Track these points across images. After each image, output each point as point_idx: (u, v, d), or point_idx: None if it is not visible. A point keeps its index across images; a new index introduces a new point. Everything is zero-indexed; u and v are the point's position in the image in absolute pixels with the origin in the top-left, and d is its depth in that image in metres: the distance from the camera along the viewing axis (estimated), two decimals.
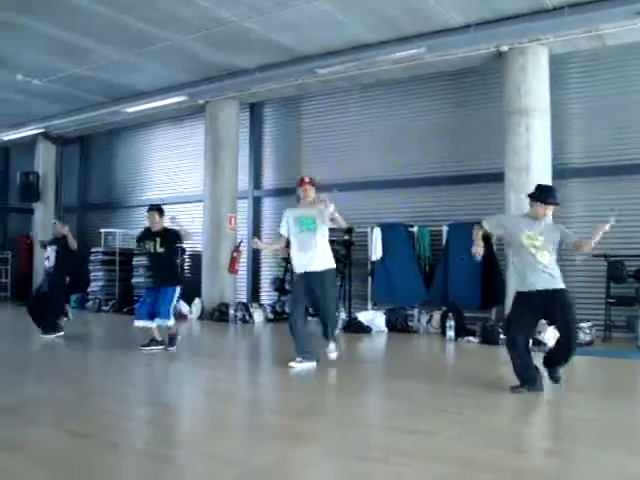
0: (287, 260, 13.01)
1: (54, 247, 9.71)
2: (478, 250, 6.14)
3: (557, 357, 5.79)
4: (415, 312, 11.09)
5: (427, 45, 10.16)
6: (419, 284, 11.08)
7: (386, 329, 10.76)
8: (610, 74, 10.40)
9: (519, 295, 5.88)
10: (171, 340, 8.30)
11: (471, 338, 9.50)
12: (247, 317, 12.23)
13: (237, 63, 11.85)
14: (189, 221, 15.16)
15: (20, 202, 17.66)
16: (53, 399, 5.50)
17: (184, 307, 12.93)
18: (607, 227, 5.71)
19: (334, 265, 7.20)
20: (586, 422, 4.86)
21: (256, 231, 14.25)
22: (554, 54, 10.01)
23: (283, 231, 7.29)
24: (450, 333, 9.70)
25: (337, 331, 7.40)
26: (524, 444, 4.29)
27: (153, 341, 8.26)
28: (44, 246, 9.97)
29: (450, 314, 9.89)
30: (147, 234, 8.50)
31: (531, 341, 6.96)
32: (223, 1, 9.11)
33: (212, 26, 9.96)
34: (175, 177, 15.96)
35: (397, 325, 10.84)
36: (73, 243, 9.62)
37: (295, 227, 7.13)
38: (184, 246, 14.83)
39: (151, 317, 8.20)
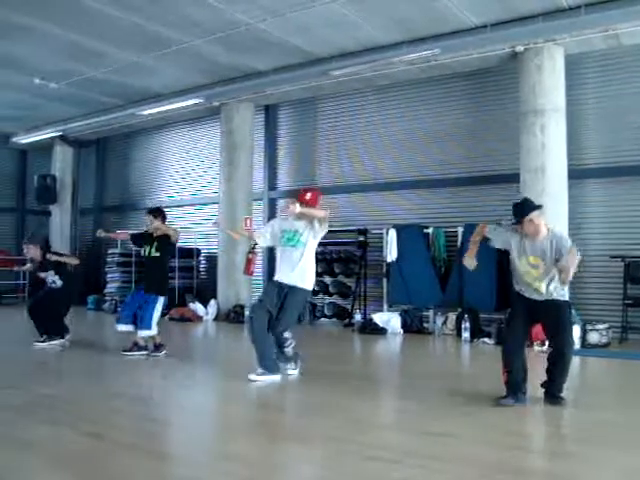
0: None
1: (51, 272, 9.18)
2: (471, 261, 5.59)
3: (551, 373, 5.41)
4: (430, 313, 11.07)
5: (442, 46, 10.14)
6: (434, 285, 11.04)
7: (401, 330, 10.74)
8: (626, 73, 10.31)
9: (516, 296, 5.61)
10: (157, 347, 8.06)
11: (486, 339, 9.47)
12: None
13: (252, 65, 11.90)
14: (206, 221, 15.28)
15: (37, 204, 17.83)
16: (68, 400, 5.55)
17: (200, 308, 12.98)
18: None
19: (310, 287, 6.70)
20: (602, 424, 4.83)
21: None
22: (570, 54, 9.95)
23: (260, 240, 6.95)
24: (465, 335, 9.67)
25: (290, 349, 6.78)
26: (540, 446, 4.27)
27: (136, 346, 8.03)
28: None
29: (465, 315, 9.87)
30: (146, 236, 8.35)
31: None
32: (238, 4, 9.15)
33: (227, 29, 10.00)
34: (191, 179, 16.03)
35: (412, 327, 10.82)
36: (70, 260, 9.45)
37: (280, 239, 6.73)
38: (196, 248, 14.93)
39: (134, 322, 7.95)
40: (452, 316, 10.49)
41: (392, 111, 12.70)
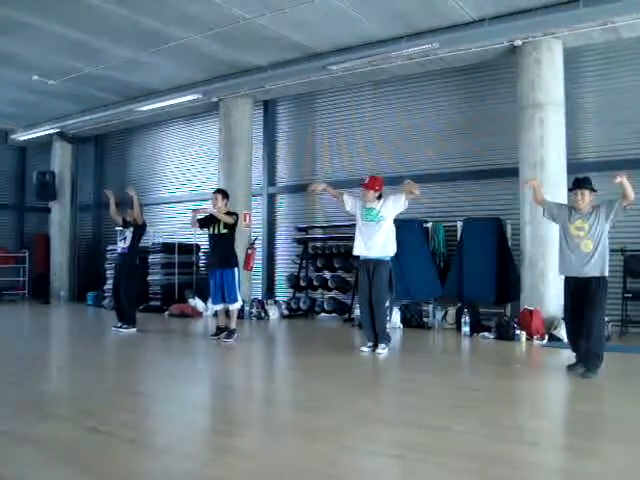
0: (302, 257, 13.09)
1: (130, 229, 10.04)
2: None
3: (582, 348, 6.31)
4: (430, 308, 11.09)
5: (440, 40, 10.12)
6: (434, 280, 11.04)
7: (401, 325, 10.76)
8: (626, 67, 10.29)
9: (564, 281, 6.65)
10: (230, 333, 8.98)
11: (486, 334, 9.48)
12: (262, 314, 12.28)
13: (250, 60, 11.87)
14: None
15: (37, 201, 17.82)
16: (71, 395, 5.56)
17: (200, 304, 12.99)
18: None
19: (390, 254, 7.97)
20: (602, 417, 4.85)
21: (271, 227, 14.30)
22: (568, 47, 9.94)
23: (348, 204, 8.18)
24: (465, 329, 9.68)
25: (387, 325, 7.95)
26: (541, 439, 4.28)
27: (219, 329, 9.12)
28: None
29: (465, 310, 9.88)
30: (210, 217, 9.03)
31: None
32: None
33: (225, 24, 9.98)
34: (190, 175, 16.03)
35: (412, 321, 10.84)
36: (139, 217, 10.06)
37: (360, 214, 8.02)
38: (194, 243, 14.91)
39: (223, 299, 8.95)
40: (452, 310, 10.50)
41: (390, 106, 12.69)
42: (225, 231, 8.91)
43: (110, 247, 15.33)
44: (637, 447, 3.99)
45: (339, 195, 8.34)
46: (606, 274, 6.33)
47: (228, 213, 8.95)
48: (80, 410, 4.95)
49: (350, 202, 8.19)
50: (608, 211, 6.41)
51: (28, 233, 19.17)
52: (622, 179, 6.12)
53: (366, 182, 8.04)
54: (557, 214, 6.74)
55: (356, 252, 8.10)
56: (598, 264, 6.28)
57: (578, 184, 6.58)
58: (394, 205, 7.89)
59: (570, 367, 6.49)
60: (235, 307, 9.03)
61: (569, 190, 6.77)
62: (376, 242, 7.86)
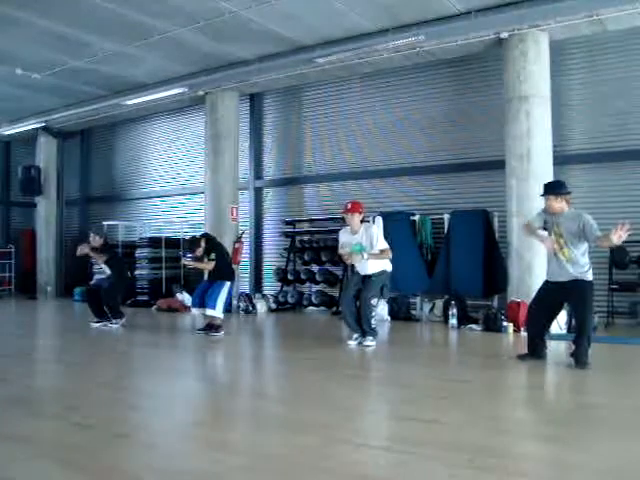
0: (289, 250, 13.08)
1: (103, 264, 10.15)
2: (550, 243, 6.39)
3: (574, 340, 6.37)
4: (417, 300, 11.11)
5: (426, 33, 10.12)
6: (421, 272, 11.07)
7: (389, 318, 10.78)
8: (612, 59, 10.35)
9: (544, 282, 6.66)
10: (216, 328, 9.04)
11: (474, 326, 9.51)
12: (250, 307, 12.27)
13: (237, 54, 11.82)
14: (193, 212, 15.27)
15: (22, 196, 17.70)
16: (56, 391, 5.53)
17: (187, 298, 12.94)
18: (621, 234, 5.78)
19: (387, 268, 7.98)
20: (590, 408, 4.87)
21: (258, 221, 14.28)
22: (555, 40, 9.96)
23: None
24: (453, 321, 9.70)
25: (372, 321, 7.90)
26: (529, 430, 4.30)
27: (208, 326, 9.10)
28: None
29: (452, 302, 9.90)
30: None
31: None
32: None
33: (211, 16, 9.93)
34: (178, 168, 15.96)
35: (400, 314, 10.87)
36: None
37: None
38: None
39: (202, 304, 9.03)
40: (439, 303, 10.53)
41: (377, 99, 12.69)
42: (213, 261, 9.02)
43: None
44: (622, 437, 4.01)
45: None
46: (589, 278, 6.31)
47: (208, 251, 9.06)
48: (65, 405, 4.92)
49: (343, 245, 8.07)
50: (582, 233, 6.16)
51: (14, 228, 19.06)
52: (621, 235, 5.74)
53: (349, 207, 7.94)
54: (543, 221, 6.58)
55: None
56: (577, 271, 6.26)
57: (544, 190, 6.52)
58: (371, 239, 7.80)
59: (521, 357, 6.66)
60: (212, 313, 8.85)
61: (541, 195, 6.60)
62: (369, 268, 7.87)
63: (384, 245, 7.88)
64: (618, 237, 5.72)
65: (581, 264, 6.26)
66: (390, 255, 7.87)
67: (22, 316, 13.14)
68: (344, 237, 8.05)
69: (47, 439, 4.04)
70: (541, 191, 6.58)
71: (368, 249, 7.70)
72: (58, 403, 5.07)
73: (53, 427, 4.31)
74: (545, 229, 6.56)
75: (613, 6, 9.00)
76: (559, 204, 6.35)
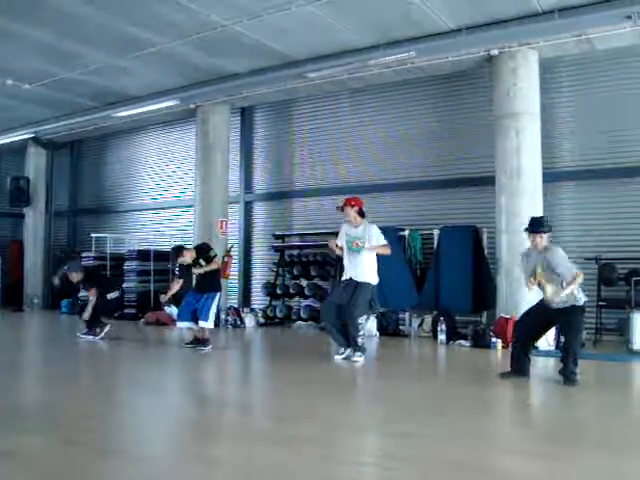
0: (278, 265, 13.04)
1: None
2: (552, 293, 6.33)
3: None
4: (406, 316, 11.09)
5: (417, 49, 10.17)
6: (410, 288, 11.06)
7: (377, 333, 10.74)
8: (600, 78, 10.43)
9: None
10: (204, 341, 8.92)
11: (462, 342, 9.49)
12: (238, 322, 12.20)
13: (228, 67, 11.84)
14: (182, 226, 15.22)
15: (10, 207, 17.54)
16: (42, 405, 5.46)
17: (175, 312, 12.84)
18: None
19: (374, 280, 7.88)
20: (576, 424, 4.86)
21: (247, 235, 14.24)
22: (544, 58, 10.04)
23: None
24: (441, 337, 9.68)
25: (360, 339, 7.73)
26: (515, 446, 4.27)
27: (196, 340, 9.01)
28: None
29: (441, 318, 9.88)
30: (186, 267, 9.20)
31: None
32: (214, 5, 9.10)
33: (203, 30, 9.94)
34: (170, 180, 15.90)
35: (388, 329, 10.84)
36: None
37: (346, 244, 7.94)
38: None
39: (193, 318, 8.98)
40: (428, 318, 10.51)
41: (367, 114, 12.72)
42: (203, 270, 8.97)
43: (85, 254, 15.15)
44: (610, 454, 3.99)
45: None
46: (581, 303, 6.33)
47: (207, 259, 9.01)
48: (50, 420, 4.85)
49: (339, 238, 8.06)
50: (553, 266, 6.24)
51: (1, 239, 18.91)
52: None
53: (342, 204, 7.95)
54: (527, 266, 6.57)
55: (344, 278, 8.02)
56: (569, 300, 6.28)
57: (532, 227, 6.47)
58: (372, 238, 7.81)
59: (503, 375, 6.53)
60: (204, 325, 8.78)
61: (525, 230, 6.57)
62: (361, 271, 7.79)
63: (385, 242, 7.88)
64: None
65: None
66: (389, 251, 7.88)
67: (6, 329, 13.02)
68: (345, 227, 8.01)
69: (31, 455, 3.97)
70: (529, 215, 6.68)
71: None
72: (43, 418, 5.00)
73: (37, 442, 4.24)
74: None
75: (601, 26, 9.08)
76: (544, 240, 6.38)
